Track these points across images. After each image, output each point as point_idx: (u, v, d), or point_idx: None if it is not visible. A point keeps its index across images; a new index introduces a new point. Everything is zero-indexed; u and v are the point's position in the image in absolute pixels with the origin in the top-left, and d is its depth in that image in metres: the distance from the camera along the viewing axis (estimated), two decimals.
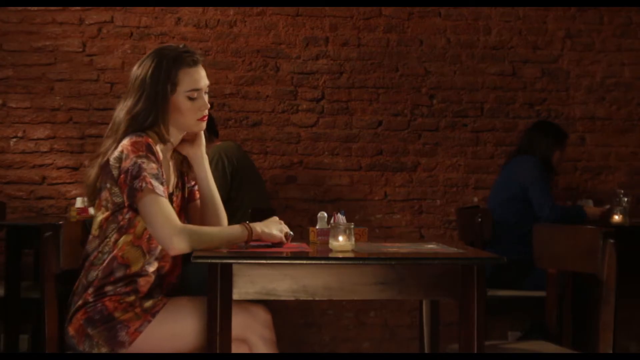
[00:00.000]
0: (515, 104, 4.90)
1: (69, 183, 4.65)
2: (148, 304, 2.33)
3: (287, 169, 4.78)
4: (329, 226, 2.32)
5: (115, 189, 2.34)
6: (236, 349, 2.26)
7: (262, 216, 2.59)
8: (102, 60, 4.69)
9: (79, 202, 4.11)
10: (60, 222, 2.39)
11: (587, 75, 4.94)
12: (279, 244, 2.40)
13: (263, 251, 2.28)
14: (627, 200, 4.19)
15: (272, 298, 2.16)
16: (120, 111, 2.42)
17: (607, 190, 4.77)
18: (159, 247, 2.37)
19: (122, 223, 2.35)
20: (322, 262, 2.16)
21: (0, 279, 3.95)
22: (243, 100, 4.76)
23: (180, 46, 2.46)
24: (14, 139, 4.64)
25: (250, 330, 2.32)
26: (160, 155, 2.38)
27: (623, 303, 2.39)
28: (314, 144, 4.79)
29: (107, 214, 2.36)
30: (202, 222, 2.52)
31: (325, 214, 2.61)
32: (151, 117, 2.38)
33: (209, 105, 2.47)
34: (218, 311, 2.11)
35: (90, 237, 2.40)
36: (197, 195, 2.57)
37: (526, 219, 4.10)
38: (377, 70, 4.82)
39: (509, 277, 4.00)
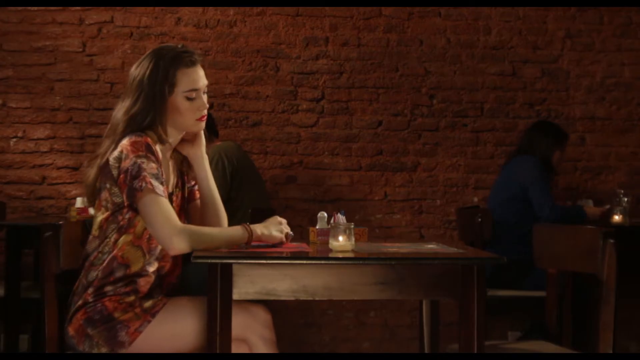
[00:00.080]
0: (515, 104, 4.90)
1: (69, 183, 4.65)
2: (148, 304, 2.33)
3: (287, 169, 4.78)
4: (329, 226, 2.32)
5: (115, 189, 2.34)
6: (236, 349, 2.26)
7: (262, 216, 2.59)
8: (102, 60, 4.69)
9: (79, 202, 4.11)
10: (60, 222, 2.39)
11: (587, 75, 4.94)
12: (279, 243, 2.40)
13: (263, 251, 2.28)
14: (627, 200, 4.19)
15: (272, 298, 2.16)
16: (118, 112, 2.41)
17: (607, 190, 4.77)
18: (159, 247, 2.37)
19: (122, 223, 2.35)
20: (322, 262, 2.16)
21: (0, 279, 3.95)
22: (243, 100, 4.76)
23: (179, 46, 2.46)
24: (14, 139, 4.64)
25: (250, 330, 2.32)
26: (160, 154, 2.38)
27: (623, 303, 2.39)
28: (314, 144, 4.79)
29: (107, 214, 2.36)
30: (202, 222, 2.52)
31: (325, 214, 2.61)
32: (149, 117, 2.38)
33: (207, 105, 2.47)
34: (218, 311, 2.11)
35: (91, 237, 2.40)
36: (197, 195, 2.57)
37: (526, 219, 4.10)
38: (377, 70, 4.82)
39: (509, 277, 4.00)
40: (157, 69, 2.39)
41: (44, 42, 4.67)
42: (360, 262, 2.16)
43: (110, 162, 2.34)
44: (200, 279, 2.25)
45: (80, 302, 2.33)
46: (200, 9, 4.74)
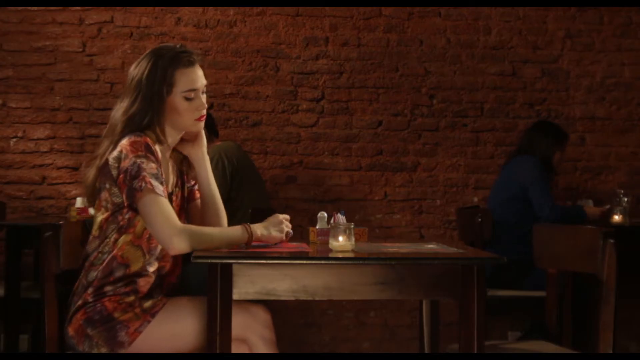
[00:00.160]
0: (515, 104, 4.90)
1: (69, 183, 4.65)
2: (148, 304, 2.33)
3: (287, 169, 4.77)
4: (329, 226, 2.32)
5: (115, 189, 2.33)
6: (236, 349, 2.26)
7: (262, 216, 2.59)
8: (102, 60, 4.69)
9: (79, 202, 4.11)
10: (60, 222, 2.38)
11: (587, 75, 4.94)
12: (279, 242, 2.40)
13: (263, 251, 2.28)
14: (627, 200, 4.19)
15: (272, 298, 2.16)
16: (117, 112, 2.41)
17: (607, 190, 4.77)
18: (159, 247, 2.37)
19: (121, 223, 2.35)
20: (322, 262, 2.16)
21: (0, 279, 3.95)
22: (243, 100, 4.76)
23: (177, 46, 2.45)
24: (14, 139, 4.64)
25: (250, 330, 2.32)
26: (159, 154, 2.38)
27: (623, 303, 2.39)
28: (314, 144, 4.79)
29: (107, 214, 2.36)
30: (203, 222, 2.52)
31: (325, 214, 2.61)
32: (147, 117, 2.37)
33: (206, 105, 2.47)
34: (218, 311, 2.11)
35: (91, 237, 2.40)
36: (197, 195, 2.57)
37: (526, 219, 4.10)
38: (377, 70, 4.82)
39: (509, 277, 4.00)
40: (156, 69, 2.38)
41: (44, 42, 4.67)
42: (360, 262, 2.15)
43: (109, 162, 2.33)
44: (200, 279, 2.25)
45: (80, 302, 2.33)
46: (200, 9, 4.74)
